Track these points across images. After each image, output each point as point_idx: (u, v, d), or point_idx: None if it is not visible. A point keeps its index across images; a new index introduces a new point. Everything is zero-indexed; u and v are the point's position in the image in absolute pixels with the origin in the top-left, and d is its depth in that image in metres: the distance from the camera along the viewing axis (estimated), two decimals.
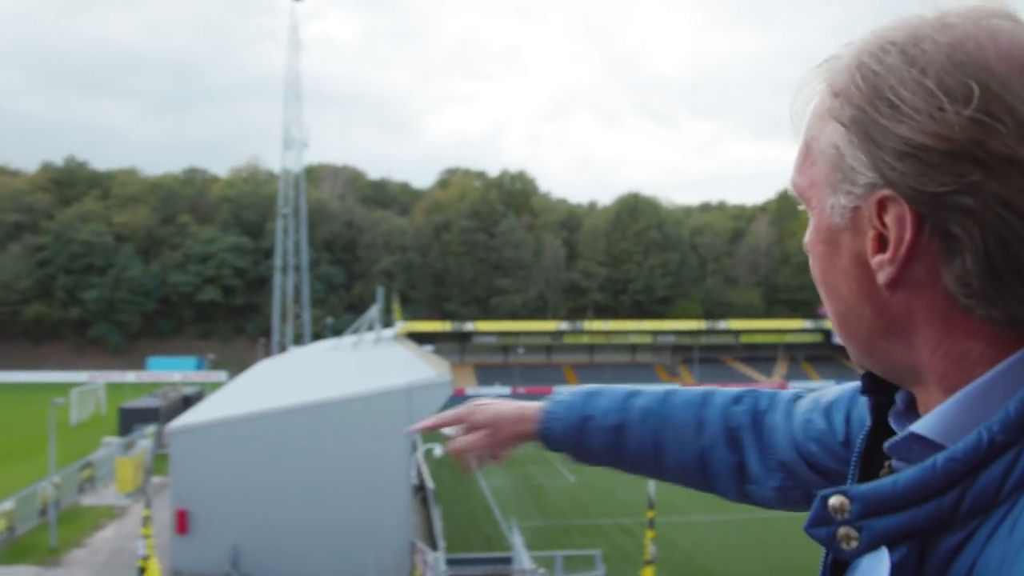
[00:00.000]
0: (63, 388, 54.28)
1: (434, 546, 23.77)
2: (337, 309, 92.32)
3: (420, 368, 28.02)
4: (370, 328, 44.83)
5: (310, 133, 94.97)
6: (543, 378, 75.19)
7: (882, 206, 0.84)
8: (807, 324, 78.99)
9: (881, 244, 0.85)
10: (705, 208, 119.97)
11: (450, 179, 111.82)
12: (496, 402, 1.71)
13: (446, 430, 1.85)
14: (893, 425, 0.99)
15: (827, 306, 0.95)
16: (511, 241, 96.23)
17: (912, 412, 0.97)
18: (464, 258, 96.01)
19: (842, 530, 0.85)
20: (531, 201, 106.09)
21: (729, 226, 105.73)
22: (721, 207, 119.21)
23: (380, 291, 49.58)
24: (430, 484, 31.03)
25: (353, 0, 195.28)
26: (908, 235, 0.82)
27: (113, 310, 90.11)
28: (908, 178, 0.81)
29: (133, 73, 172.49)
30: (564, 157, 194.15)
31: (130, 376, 77.42)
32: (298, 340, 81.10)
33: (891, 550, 0.83)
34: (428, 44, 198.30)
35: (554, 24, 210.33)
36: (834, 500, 0.85)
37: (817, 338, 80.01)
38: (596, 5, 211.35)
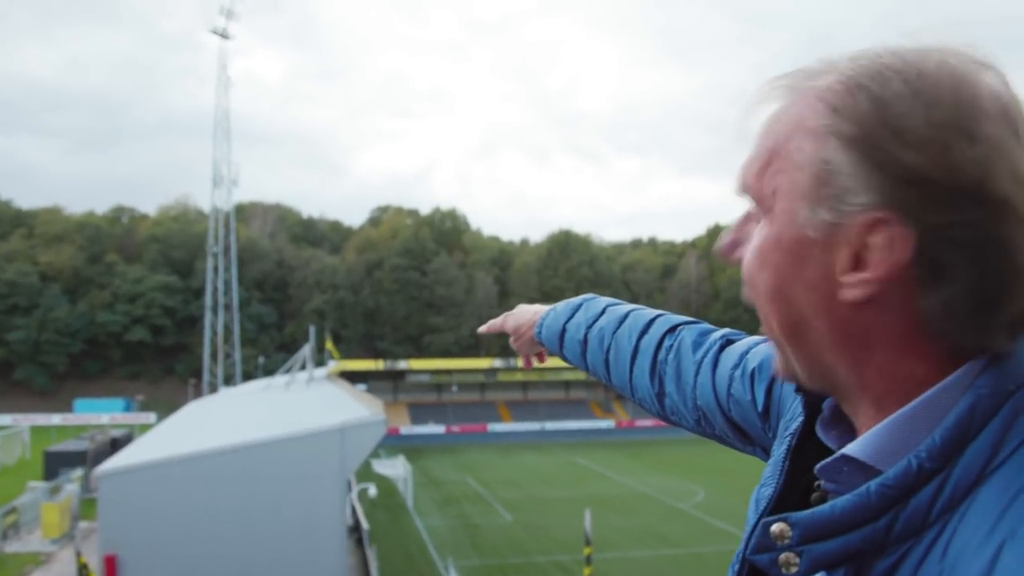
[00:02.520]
0: None
1: None
2: (269, 348, 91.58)
3: (353, 407, 27.86)
4: (302, 367, 44.50)
5: (240, 171, 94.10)
6: (477, 416, 75.14)
7: (873, 227, 0.85)
8: None
9: (856, 263, 0.87)
10: (636, 244, 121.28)
11: (381, 217, 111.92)
12: (521, 310, 2.10)
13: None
14: (820, 433, 1.03)
15: (772, 315, 0.94)
16: (443, 279, 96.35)
17: (838, 422, 1.00)
18: (396, 296, 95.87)
19: (783, 556, 0.90)
20: (463, 239, 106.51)
21: (659, 262, 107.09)
22: (651, 243, 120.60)
23: (312, 330, 49.30)
24: (365, 524, 30.82)
25: (278, 38, 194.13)
26: (898, 258, 0.84)
27: (39, 351, 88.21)
28: (910, 206, 0.84)
29: (54, 110, 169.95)
30: (495, 194, 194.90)
31: (56, 419, 75.85)
32: (229, 380, 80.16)
33: (829, 574, 0.89)
34: (355, 82, 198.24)
35: (481, 62, 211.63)
36: (775, 527, 0.90)
37: None
38: (523, 44, 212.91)
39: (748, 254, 0.96)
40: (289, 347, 79.88)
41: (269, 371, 65.47)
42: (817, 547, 0.88)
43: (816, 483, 0.99)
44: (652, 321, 1.66)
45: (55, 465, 39.89)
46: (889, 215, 0.85)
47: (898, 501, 0.85)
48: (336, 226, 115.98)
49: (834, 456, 0.93)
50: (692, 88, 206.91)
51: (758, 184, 0.94)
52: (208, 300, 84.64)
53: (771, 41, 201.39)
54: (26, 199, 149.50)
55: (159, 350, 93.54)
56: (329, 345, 54.60)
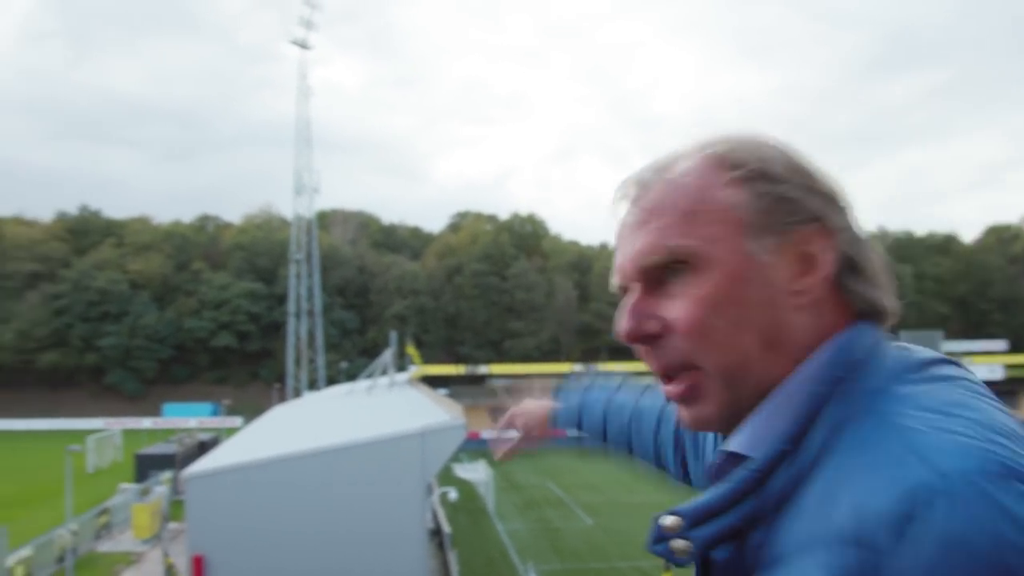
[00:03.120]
0: (79, 435, 54.53)
1: None
2: (351, 353, 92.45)
3: (434, 412, 27.99)
4: (384, 372, 44.84)
5: (321, 179, 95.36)
6: None
7: (813, 237, 1.08)
8: None
9: (802, 271, 1.08)
10: None
11: (461, 223, 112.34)
12: (528, 409, 2.25)
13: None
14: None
15: (732, 349, 1.07)
16: (523, 284, 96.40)
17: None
18: (477, 301, 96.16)
19: (676, 543, 1.06)
20: (542, 243, 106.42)
21: None
22: None
23: (394, 335, 49.69)
24: (446, 528, 30.93)
25: (356, 47, 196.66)
26: (833, 256, 1.09)
27: (129, 357, 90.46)
28: (830, 217, 1.09)
29: (140, 123, 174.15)
30: (573, 199, 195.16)
31: (146, 423, 77.62)
32: (312, 385, 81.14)
33: (717, 551, 1.05)
34: (432, 89, 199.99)
35: (558, 67, 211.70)
36: (667, 520, 1.07)
37: None
38: (599, 47, 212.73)
39: (689, 309, 1.07)
40: (371, 352, 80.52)
41: (351, 376, 66.13)
42: (702, 531, 1.04)
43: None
44: None
45: (145, 467, 40.84)
46: (820, 225, 1.09)
47: (762, 482, 1.01)
48: (416, 232, 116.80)
49: (717, 457, 1.14)
50: (768, 88, 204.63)
51: (684, 242, 1.08)
52: (291, 306, 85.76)
53: (845, 39, 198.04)
54: (114, 209, 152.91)
55: (245, 355, 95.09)
56: (411, 350, 54.97)
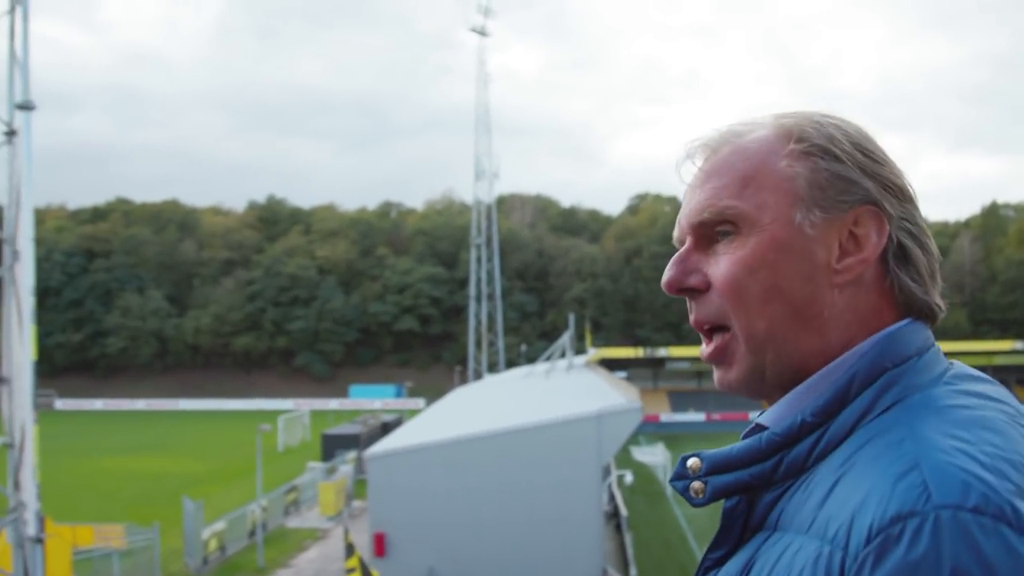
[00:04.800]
0: (271, 415, 56.80)
1: (627, 573, 23.61)
2: (530, 336, 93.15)
3: (610, 395, 27.92)
4: (562, 355, 44.97)
5: (500, 164, 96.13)
6: (737, 403, 73.68)
7: (862, 219, 1.11)
8: (1017, 345, 74.74)
9: (845, 251, 1.11)
10: None
11: (639, 204, 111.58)
12: None
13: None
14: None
15: (763, 314, 1.11)
16: None
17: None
18: (655, 284, 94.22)
19: (694, 484, 1.14)
20: None
21: None
22: None
23: (572, 318, 49.75)
24: (623, 511, 30.84)
25: (532, 31, 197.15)
26: (881, 241, 1.11)
27: (317, 340, 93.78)
28: (886, 202, 1.12)
29: (324, 113, 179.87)
30: None
31: (333, 404, 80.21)
32: (492, 367, 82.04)
33: (727, 500, 1.12)
34: (608, 71, 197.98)
35: (735, 44, 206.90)
36: (691, 461, 1.15)
37: None
38: (777, 23, 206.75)
39: (727, 267, 1.13)
40: (550, 335, 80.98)
41: (531, 359, 66.57)
42: (719, 479, 1.11)
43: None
44: None
45: (332, 447, 42.14)
46: (873, 208, 1.12)
47: (782, 448, 1.07)
48: (595, 215, 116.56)
49: (749, 425, 1.20)
50: (958, 58, 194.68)
51: (735, 203, 1.13)
52: (472, 290, 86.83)
53: None
54: (301, 198, 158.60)
55: (427, 338, 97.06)
56: (585, 333, 54.76)
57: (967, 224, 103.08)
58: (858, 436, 1.02)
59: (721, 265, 1.14)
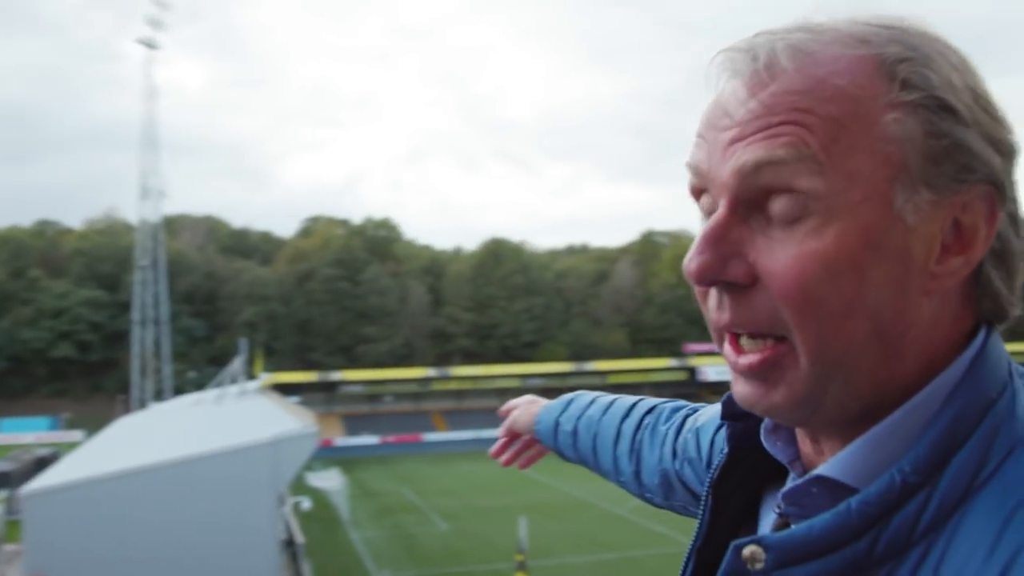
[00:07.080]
0: None
1: None
2: (199, 362, 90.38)
3: (285, 420, 27.66)
4: (233, 381, 44.09)
5: (167, 182, 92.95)
6: (411, 426, 74.82)
7: (977, 204, 0.79)
8: (672, 363, 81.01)
9: (945, 247, 0.79)
10: (570, 251, 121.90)
11: (312, 227, 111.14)
12: (525, 407, 1.96)
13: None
14: (765, 442, 0.96)
15: (841, 327, 0.78)
16: (376, 289, 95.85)
17: (779, 429, 0.95)
18: (329, 307, 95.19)
19: None
20: (395, 248, 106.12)
21: (593, 268, 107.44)
22: (584, 250, 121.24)
23: (243, 343, 48.81)
24: (300, 538, 30.54)
25: (202, 47, 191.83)
26: (992, 232, 0.80)
27: None
28: (1008, 180, 0.80)
29: None
30: (426, 203, 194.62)
31: None
32: (159, 396, 78.98)
33: None
34: (281, 90, 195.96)
35: (408, 69, 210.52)
36: (747, 550, 0.81)
37: (682, 376, 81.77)
38: (449, 51, 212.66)
39: (797, 264, 0.77)
40: (220, 361, 78.90)
41: (200, 385, 64.63)
42: (794, 572, 0.78)
43: (777, 509, 0.90)
44: (634, 405, 1.67)
45: None
46: (990, 188, 0.78)
47: (880, 519, 0.76)
48: (267, 237, 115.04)
49: (804, 479, 0.85)
50: (618, 93, 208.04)
51: (819, 169, 0.76)
52: (136, 314, 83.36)
53: (694, 45, 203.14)
54: None
55: (86, 366, 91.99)
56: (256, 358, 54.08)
57: (626, 250, 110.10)
58: (989, 494, 0.74)
59: (782, 256, 0.78)
